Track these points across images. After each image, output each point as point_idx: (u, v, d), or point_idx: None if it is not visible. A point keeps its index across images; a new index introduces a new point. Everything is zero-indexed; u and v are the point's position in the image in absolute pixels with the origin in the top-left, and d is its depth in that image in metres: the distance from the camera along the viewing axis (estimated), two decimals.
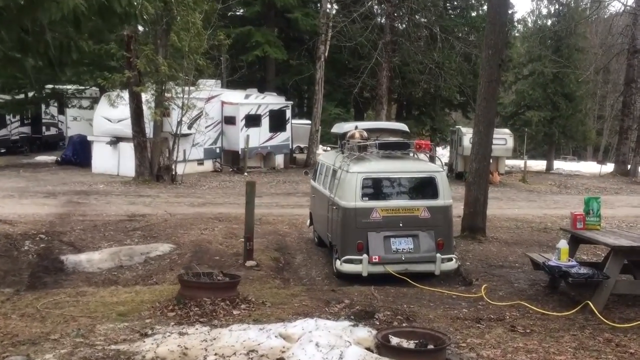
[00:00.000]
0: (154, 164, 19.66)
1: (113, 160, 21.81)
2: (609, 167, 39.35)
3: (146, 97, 19.24)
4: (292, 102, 28.24)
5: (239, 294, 6.15)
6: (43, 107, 29.20)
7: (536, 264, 7.54)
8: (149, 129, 19.86)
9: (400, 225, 8.39)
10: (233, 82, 32.56)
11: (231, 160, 25.74)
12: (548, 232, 13.03)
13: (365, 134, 9.23)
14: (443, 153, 41.37)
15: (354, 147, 8.86)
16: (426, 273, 8.52)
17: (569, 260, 6.86)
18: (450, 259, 8.54)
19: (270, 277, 8.29)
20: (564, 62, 38.71)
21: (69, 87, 26.19)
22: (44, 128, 31.06)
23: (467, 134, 26.43)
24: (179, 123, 19.75)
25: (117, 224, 11.84)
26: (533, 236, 12.45)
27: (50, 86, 25.30)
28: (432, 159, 9.13)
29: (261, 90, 28.70)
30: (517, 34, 44.33)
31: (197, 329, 5.02)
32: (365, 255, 8.22)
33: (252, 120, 25.33)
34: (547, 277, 7.49)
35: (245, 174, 24.34)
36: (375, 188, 8.51)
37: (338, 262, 8.39)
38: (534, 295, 7.41)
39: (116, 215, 13.25)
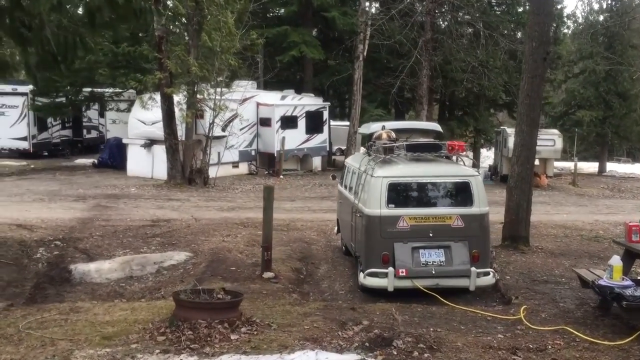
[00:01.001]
0: (186, 167, 19.30)
1: (147, 163, 21.59)
2: None
3: (177, 98, 18.91)
4: (329, 103, 27.55)
5: (242, 315, 5.48)
6: (83, 110, 29.58)
7: (585, 282, 6.63)
8: (181, 131, 19.52)
9: (431, 235, 7.59)
10: (270, 83, 32.17)
11: (267, 163, 25.25)
12: (599, 242, 11.94)
13: (393, 134, 8.46)
14: (488, 155, 40.09)
15: (380, 149, 8.10)
16: (459, 289, 7.69)
17: (623, 279, 5.93)
18: (486, 273, 7.69)
19: (288, 290, 7.61)
20: (617, 59, 36.82)
21: (107, 90, 26.22)
22: (85, 131, 31.34)
23: (513, 135, 25.20)
24: (211, 125, 19.32)
25: (137, 230, 11.40)
26: (582, 246, 11.39)
27: (89, 89, 25.40)
28: (466, 162, 8.24)
29: (299, 91, 28.15)
30: (566, 30, 42.51)
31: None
32: (391, 269, 7.45)
33: (288, 122, 24.78)
34: (598, 297, 6.56)
35: (281, 176, 23.81)
36: (402, 194, 7.74)
37: (362, 275, 7.66)
38: (582, 318, 6.49)
39: (141, 220, 12.85)
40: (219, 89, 19.22)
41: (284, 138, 24.32)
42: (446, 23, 28.89)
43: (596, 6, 44.01)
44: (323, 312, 6.41)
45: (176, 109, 18.87)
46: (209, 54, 18.52)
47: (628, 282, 5.81)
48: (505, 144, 24.58)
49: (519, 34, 30.17)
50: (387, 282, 7.47)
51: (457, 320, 6.41)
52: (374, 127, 9.06)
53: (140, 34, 20.93)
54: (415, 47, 25.22)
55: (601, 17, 43.14)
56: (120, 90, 25.58)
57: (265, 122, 24.59)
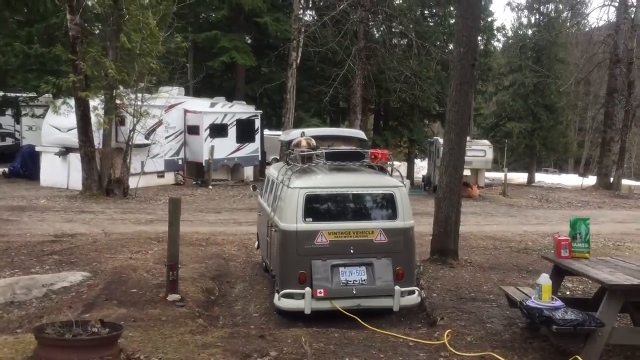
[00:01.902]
0: (104, 177, 18.06)
1: (62, 172, 20.15)
2: (591, 179, 38.45)
3: (94, 103, 17.68)
4: (261, 111, 26.76)
5: (121, 352, 4.64)
6: None
7: (512, 302, 6.14)
8: (98, 139, 18.27)
9: (352, 251, 6.94)
10: (201, 90, 31.07)
11: (195, 173, 24.18)
12: (528, 254, 11.68)
13: (313, 142, 7.78)
14: (422, 165, 40.27)
15: (298, 158, 7.42)
16: (383, 309, 7.07)
17: (553, 299, 5.45)
18: (411, 292, 7.11)
19: (193, 315, 6.77)
20: (544, 72, 37.85)
21: (21, 94, 24.45)
22: None
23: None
24: (131, 132, 18.16)
25: (34, 247, 10.25)
26: (512, 258, 11.07)
27: (0, 93, 23.64)
28: (384, 171, 7.67)
29: (231, 99, 27.25)
30: (497, 43, 43.52)
31: None
32: (308, 289, 6.75)
33: (218, 130, 23.84)
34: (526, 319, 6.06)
35: (210, 187, 22.83)
36: (321, 207, 7.06)
37: (276, 297, 6.91)
38: (509, 340, 5.98)
39: (42, 235, 11.68)
40: (139, 95, 18.11)
41: (213, 147, 23.35)
42: (380, 32, 28.75)
43: (525, 20, 45.37)
44: (226, 342, 5.63)
45: (93, 115, 17.64)
46: (129, 57, 17.41)
47: (558, 303, 5.33)
48: (438, 154, 24.42)
49: (451, 46, 30.37)
50: (304, 304, 6.76)
51: (376, 346, 5.76)
52: (293, 134, 8.37)
53: (56, 34, 19.48)
54: (348, 56, 24.87)
55: (530, 32, 44.43)
56: (35, 95, 23.91)
57: (193, 130, 23.56)
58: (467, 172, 25.14)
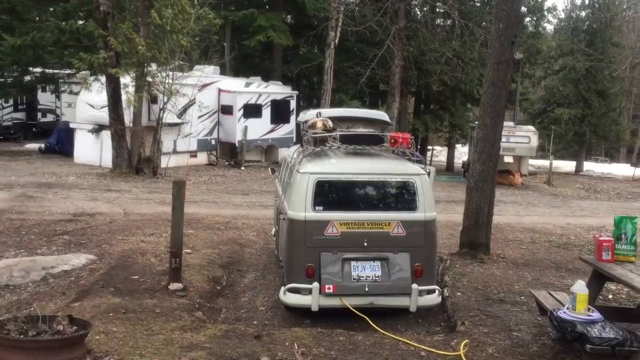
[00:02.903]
0: (133, 155, 17.83)
1: (95, 149, 20.08)
2: None
3: (125, 81, 17.42)
4: (297, 92, 26.16)
5: (88, 353, 4.17)
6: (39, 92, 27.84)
7: (543, 309, 5.42)
8: (130, 117, 18.04)
9: (365, 244, 6.32)
10: (239, 70, 30.64)
11: (228, 153, 23.85)
12: (569, 249, 10.80)
13: (329, 123, 7.14)
14: (464, 151, 38.99)
15: (310, 140, 6.80)
16: (398, 309, 6.44)
17: (590, 310, 4.71)
18: (431, 291, 6.45)
19: (193, 307, 6.29)
20: (598, 56, 35.95)
21: (60, 71, 24.48)
22: (39, 114, 29.59)
23: None
24: (161, 110, 17.86)
25: (48, 225, 9.99)
26: (550, 254, 10.23)
27: (39, 69, 23.70)
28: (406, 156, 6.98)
29: (267, 79, 26.73)
30: (547, 25, 41.68)
31: None
32: (315, 284, 6.17)
33: (252, 111, 23.37)
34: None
35: (242, 168, 22.45)
36: (332, 194, 6.44)
37: (282, 291, 6.36)
38: (537, 355, 5.26)
39: (61, 213, 11.44)
40: (170, 72, 17.76)
41: (246, 127, 22.91)
42: (422, 12, 27.67)
43: (578, 1, 43.22)
44: (216, 343, 5.11)
45: (123, 93, 17.39)
46: (160, 34, 17.05)
47: (595, 316, 4.59)
48: None
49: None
50: (311, 300, 6.19)
51: (383, 355, 5.15)
52: (309, 114, 7.75)
53: (90, 10, 19.23)
54: (388, 36, 23.92)
55: (583, 13, 42.33)
56: (73, 72, 23.91)
57: (226, 109, 23.16)
58: (509, 159, 24.07)
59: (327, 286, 6.20)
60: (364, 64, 24.24)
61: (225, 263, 8.40)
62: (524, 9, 31.32)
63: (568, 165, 41.87)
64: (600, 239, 5.48)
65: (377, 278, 6.29)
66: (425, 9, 28.11)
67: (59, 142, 22.35)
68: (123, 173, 17.48)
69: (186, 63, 20.12)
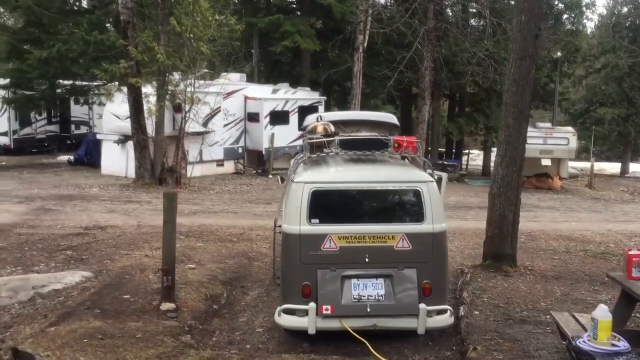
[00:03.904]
0: (156, 165, 17.63)
1: (121, 160, 20.02)
2: None
3: (147, 90, 17.26)
4: (325, 97, 25.69)
5: None
6: (71, 104, 28.18)
7: (563, 334, 4.74)
8: (153, 126, 17.87)
9: (367, 260, 5.74)
10: (269, 77, 30.41)
11: (255, 162, 23.52)
12: (607, 259, 9.95)
13: (331, 127, 6.60)
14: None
15: (307, 146, 6.27)
16: (405, 331, 5.83)
17: (615, 338, 4.02)
18: (442, 311, 5.81)
19: (181, 331, 5.83)
20: None
21: (90, 83, 24.66)
22: (73, 126, 29.95)
23: None
24: (183, 119, 17.63)
25: (54, 240, 9.74)
26: (585, 265, 9.41)
27: (70, 82, 23.91)
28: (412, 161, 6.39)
29: (296, 85, 26.37)
30: (587, 22, 40.20)
31: None
32: (312, 304, 5.62)
33: (278, 117, 23.01)
34: None
35: (270, 176, 22.05)
36: (330, 206, 5.88)
37: (276, 312, 5.83)
38: None
39: (73, 227, 11.22)
40: (191, 81, 17.52)
41: (273, 134, 22.56)
42: (453, 12, 26.86)
43: None
44: None
45: (145, 102, 17.23)
46: (181, 42, 16.83)
47: (621, 347, 3.90)
48: None
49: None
50: (307, 322, 5.64)
51: None
52: (310, 119, 7.23)
53: (112, 20, 19.25)
54: (417, 38, 23.24)
55: (625, 9, 40.63)
56: (103, 83, 24.04)
57: (253, 117, 22.85)
58: (547, 162, 23.03)
59: (324, 307, 5.64)
60: (392, 66, 23.61)
61: (228, 279, 7.93)
62: (561, 5, 30.22)
63: (613, 168, 40.12)
64: (630, 252, 4.77)
65: (381, 297, 5.70)
66: (455, 8, 27.31)
67: (87, 153, 22.43)
68: (146, 184, 17.30)
69: (210, 71, 19.87)
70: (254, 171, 22.95)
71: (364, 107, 27.55)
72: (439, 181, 6.46)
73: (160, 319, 6.08)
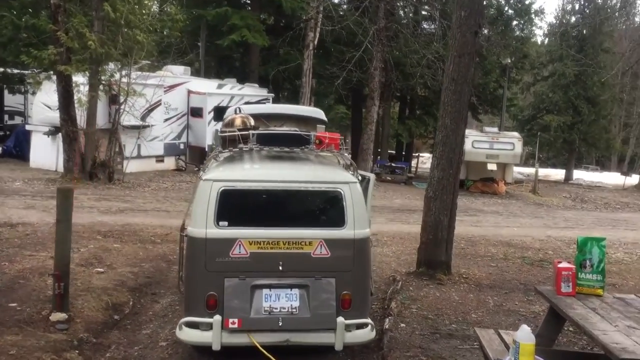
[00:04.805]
0: (87, 159, 16.63)
1: (51, 153, 18.88)
2: (635, 179, 35.54)
3: (79, 79, 16.26)
4: (273, 94, 25.07)
5: None
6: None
7: (486, 356, 4.27)
8: (84, 117, 16.86)
9: (281, 268, 5.16)
10: (218, 72, 29.46)
11: (198, 158, 22.66)
12: (544, 267, 9.69)
13: (251, 121, 6.00)
14: None
15: (219, 140, 5.66)
16: (322, 347, 5.28)
17: None
18: (362, 325, 5.27)
19: (66, 346, 5.13)
20: (587, 62, 35.06)
21: (25, 71, 23.26)
22: (6, 117, 28.28)
23: (470, 136, 23.06)
24: (117, 111, 16.70)
25: None
26: (521, 273, 9.11)
27: (0, 69, 22.50)
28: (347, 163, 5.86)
29: (244, 81, 25.63)
30: (536, 29, 40.87)
31: None
32: (217, 317, 5.00)
33: (222, 113, 22.01)
34: None
35: None
36: (241, 207, 5.28)
37: (178, 326, 5.19)
38: None
39: None
40: (129, 71, 16.62)
41: (217, 131, 21.65)
42: (404, 11, 26.65)
43: (569, 7, 42.43)
44: None
45: (76, 92, 16.22)
46: (115, 29, 15.91)
47: None
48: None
49: (485, 30, 27.98)
50: (211, 337, 5.02)
51: None
52: (230, 112, 6.62)
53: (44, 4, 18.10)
54: (367, 37, 22.85)
55: (573, 19, 41.50)
56: (40, 70, 22.72)
57: (196, 112, 22.04)
58: (493, 167, 23.02)
59: (231, 320, 5.03)
60: (341, 65, 23.16)
61: (139, 285, 7.24)
62: (511, 11, 30.46)
63: (558, 174, 40.88)
64: (560, 265, 4.36)
65: (294, 310, 5.14)
66: (407, 10, 27.12)
67: (17, 145, 21.14)
68: (75, 179, 16.29)
69: (152, 62, 18.97)
70: (196, 168, 22.06)
71: (315, 105, 27.00)
72: (365, 182, 5.95)
73: (46, 332, 5.36)
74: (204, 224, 5.11)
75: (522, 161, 27.10)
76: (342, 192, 5.29)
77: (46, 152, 18.99)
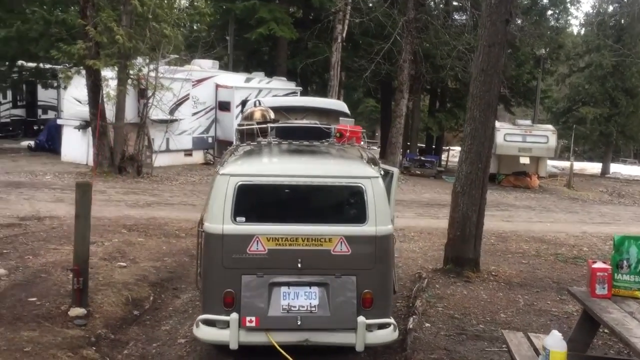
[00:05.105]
0: (116, 153, 16.75)
1: (82, 147, 19.06)
2: None
3: (107, 73, 16.36)
4: (301, 88, 24.90)
5: None
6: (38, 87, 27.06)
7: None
8: (114, 112, 16.97)
9: (299, 265, 5.00)
10: (248, 66, 29.42)
11: None
12: (578, 265, 9.32)
13: (271, 114, 5.85)
14: None
15: (237, 134, 5.52)
16: (342, 347, 5.10)
17: None
18: (384, 325, 5.07)
19: (83, 343, 5.07)
20: (626, 52, 33.96)
21: (57, 66, 23.58)
22: (40, 111, 28.81)
23: (502, 129, 22.58)
24: (146, 105, 16.76)
25: None
26: (554, 271, 8.78)
27: (32, 64, 22.86)
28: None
29: (272, 74, 25.53)
30: (572, 19, 39.86)
31: None
32: (234, 315, 4.87)
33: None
34: None
35: None
36: (259, 202, 5.14)
37: (195, 323, 5.07)
38: None
39: (8, 217, 10.36)
40: (156, 65, 16.65)
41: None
42: (434, 4, 26.16)
43: None
44: None
45: (104, 86, 16.33)
46: (143, 23, 15.94)
47: None
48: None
49: (519, 21, 27.27)
50: (228, 336, 4.89)
51: None
52: (248, 105, 6.47)
53: None
54: (396, 29, 22.47)
55: (610, 8, 40.27)
56: (68, 66, 23.01)
57: (224, 106, 22.00)
58: (526, 161, 22.48)
59: (248, 318, 4.90)
60: (370, 57, 22.84)
61: (160, 279, 7.17)
62: (545, 0, 29.65)
63: (595, 168, 39.81)
64: (594, 266, 4.08)
65: (314, 309, 4.97)
66: (437, 0, 26.63)
67: (49, 139, 21.44)
68: (104, 172, 16.43)
69: (177, 56, 18.99)
70: (212, 162, 22.14)
71: (344, 99, 26.74)
72: (388, 177, 5.75)
73: (63, 327, 5.31)
74: (220, 220, 4.97)
75: (556, 154, 26.44)
76: (363, 187, 5.09)
77: (77, 146, 19.19)
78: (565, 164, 36.94)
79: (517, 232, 12.48)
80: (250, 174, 5.09)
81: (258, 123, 5.56)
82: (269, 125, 5.38)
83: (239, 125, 5.63)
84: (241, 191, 5.00)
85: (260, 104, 6.05)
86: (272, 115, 5.88)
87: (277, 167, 5.28)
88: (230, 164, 5.31)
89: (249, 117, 5.82)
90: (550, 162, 27.46)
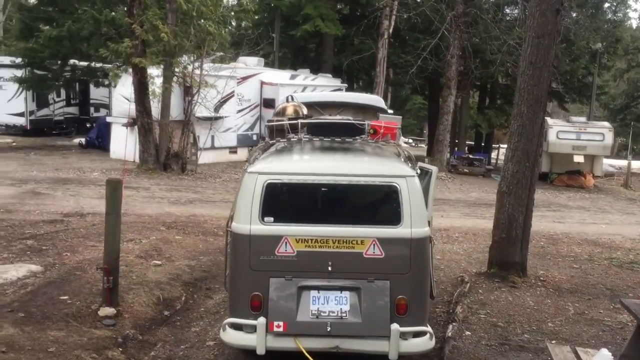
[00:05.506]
0: (161, 150, 16.90)
1: (130, 144, 19.20)
2: None
3: (154, 71, 16.52)
4: (346, 84, 24.65)
5: None
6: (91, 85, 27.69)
7: None
8: (159, 109, 17.13)
9: (330, 269, 4.77)
10: (294, 62, 29.35)
11: None
12: (634, 271, 8.76)
13: (304, 109, 5.62)
14: None
15: (266, 131, 5.33)
16: (374, 355, 4.84)
17: None
18: (419, 333, 4.79)
19: (110, 343, 4.98)
20: None
21: (107, 65, 24.07)
22: (92, 109, 29.52)
23: (554, 126, 21.76)
24: (190, 103, 16.85)
25: (21, 228, 9.01)
26: (607, 277, 8.25)
27: (85, 63, 23.37)
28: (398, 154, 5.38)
29: (318, 71, 25.36)
30: (630, 12, 38.14)
31: None
32: (262, 319, 4.68)
33: None
34: None
35: None
36: (288, 202, 4.94)
37: (222, 327, 4.91)
38: None
39: (52, 213, 10.51)
40: (201, 63, 16.71)
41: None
42: None
43: None
44: None
45: (150, 84, 16.49)
46: (188, 21, 16.01)
47: None
48: (545, 137, 21.06)
49: (574, 14, 26.20)
50: (255, 340, 4.70)
51: None
52: (281, 100, 6.27)
53: None
54: (444, 24, 21.92)
55: None
56: (118, 64, 23.44)
57: (269, 103, 21.91)
58: (580, 159, 21.56)
59: (276, 323, 4.70)
60: (417, 53, 22.37)
61: (193, 279, 7.07)
62: None
63: None
64: None
65: (344, 314, 4.73)
66: None
67: (99, 136, 21.87)
68: (150, 169, 16.61)
69: (223, 54, 19.02)
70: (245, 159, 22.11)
71: (392, 96, 26.37)
72: (426, 176, 5.44)
73: (91, 327, 5.24)
74: (248, 220, 4.79)
75: (613, 153, 25.25)
76: (398, 186, 4.81)
77: (125, 143, 19.46)
78: (622, 162, 35.36)
79: (569, 234, 11.90)
80: (279, 172, 4.89)
81: (289, 119, 5.34)
82: (299, 121, 5.15)
83: (269, 121, 5.43)
84: (269, 190, 4.80)
85: (293, 99, 5.83)
86: (304, 110, 5.66)
87: (308, 165, 5.05)
88: (259, 161, 5.12)
89: (281, 112, 5.62)
90: (606, 161, 26.28)
